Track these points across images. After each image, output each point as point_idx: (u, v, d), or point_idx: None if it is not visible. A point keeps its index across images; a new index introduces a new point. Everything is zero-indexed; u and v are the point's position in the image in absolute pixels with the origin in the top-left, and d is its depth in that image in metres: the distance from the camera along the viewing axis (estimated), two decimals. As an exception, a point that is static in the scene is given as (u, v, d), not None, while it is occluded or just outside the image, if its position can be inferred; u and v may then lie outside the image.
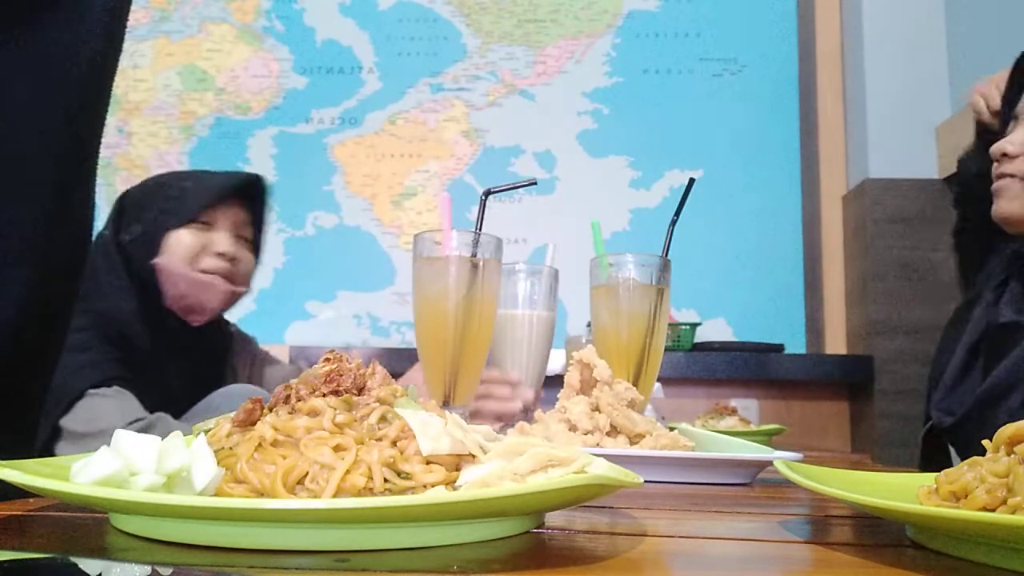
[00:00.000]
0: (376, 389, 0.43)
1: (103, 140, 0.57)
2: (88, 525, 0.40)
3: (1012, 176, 1.09)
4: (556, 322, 1.06)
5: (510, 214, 2.28)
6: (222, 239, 1.17)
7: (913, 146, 2.07)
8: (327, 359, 0.45)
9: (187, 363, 1.21)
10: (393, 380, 0.45)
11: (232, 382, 1.27)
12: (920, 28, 2.11)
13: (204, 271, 1.15)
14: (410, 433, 0.40)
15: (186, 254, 1.14)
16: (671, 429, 0.76)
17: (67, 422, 1.03)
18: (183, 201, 1.16)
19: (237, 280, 1.19)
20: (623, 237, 2.27)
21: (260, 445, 0.39)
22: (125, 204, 1.21)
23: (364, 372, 0.44)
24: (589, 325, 1.06)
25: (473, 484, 0.38)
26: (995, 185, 1.12)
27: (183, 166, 2.38)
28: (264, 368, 1.41)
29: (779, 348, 2.10)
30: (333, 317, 2.30)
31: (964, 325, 1.18)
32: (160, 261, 1.13)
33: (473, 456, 0.40)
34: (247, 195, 1.23)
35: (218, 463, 0.38)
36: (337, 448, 0.38)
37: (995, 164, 1.12)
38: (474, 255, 0.83)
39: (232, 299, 1.21)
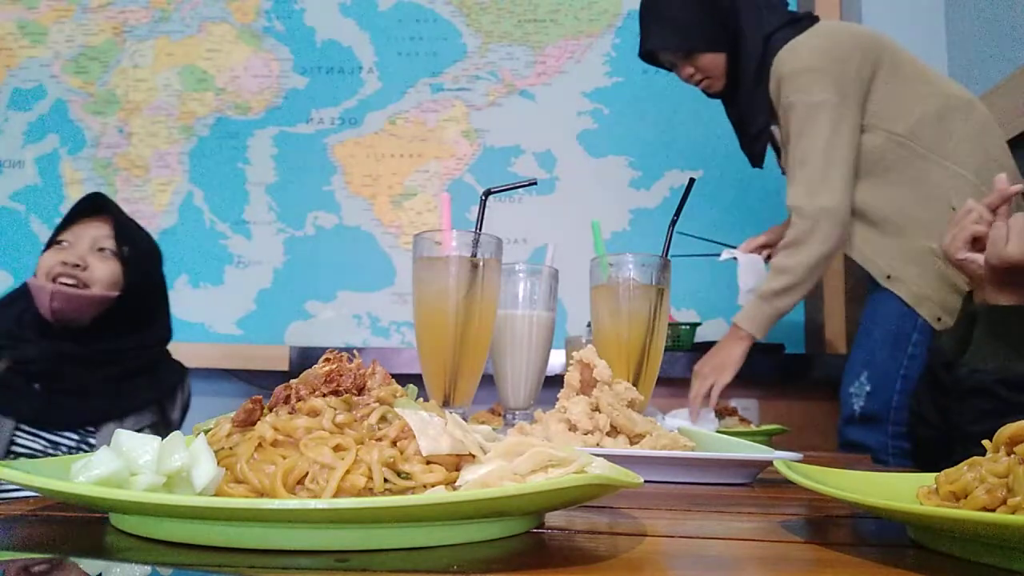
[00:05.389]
0: (376, 389, 0.43)
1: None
2: (88, 525, 0.40)
3: None
4: (556, 322, 1.06)
5: (510, 214, 2.28)
6: (73, 253, 1.35)
7: (913, 146, 2.06)
8: (327, 359, 0.45)
9: (111, 377, 1.37)
10: (393, 380, 0.45)
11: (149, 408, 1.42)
12: (920, 29, 2.11)
13: (58, 281, 1.33)
14: (410, 433, 0.40)
15: (46, 271, 1.33)
16: (671, 429, 0.76)
17: None
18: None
19: (93, 284, 1.35)
20: (623, 237, 2.27)
21: (260, 445, 0.39)
22: None
23: (364, 372, 0.44)
24: (589, 325, 1.06)
25: (473, 484, 0.38)
26: None
27: (183, 166, 2.38)
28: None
29: (779, 348, 2.10)
30: (333, 317, 2.30)
31: None
32: (28, 280, 1.35)
33: (473, 456, 0.40)
34: (100, 211, 1.40)
35: (218, 463, 0.38)
36: (337, 448, 0.38)
37: None
38: (474, 255, 0.83)
39: (98, 303, 1.36)
